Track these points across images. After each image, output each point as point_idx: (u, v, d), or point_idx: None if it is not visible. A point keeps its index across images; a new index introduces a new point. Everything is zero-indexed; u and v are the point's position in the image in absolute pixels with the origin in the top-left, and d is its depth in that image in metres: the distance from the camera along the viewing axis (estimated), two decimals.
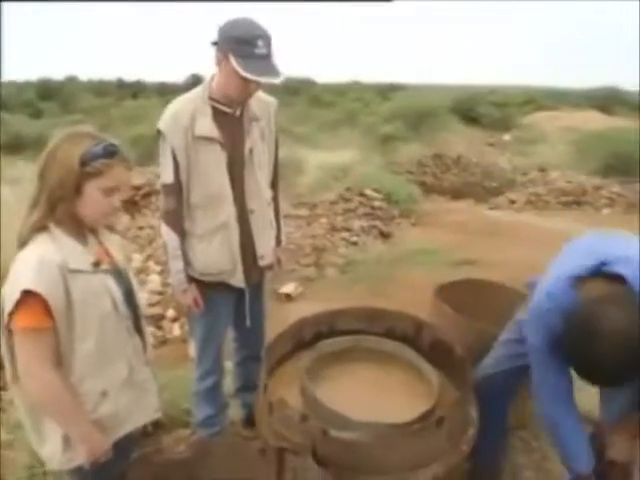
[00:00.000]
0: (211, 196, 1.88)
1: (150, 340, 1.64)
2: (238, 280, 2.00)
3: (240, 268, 1.99)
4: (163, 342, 3.89)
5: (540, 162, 10.38)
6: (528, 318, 1.58)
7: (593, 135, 10.78)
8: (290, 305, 4.34)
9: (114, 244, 1.50)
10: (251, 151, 1.93)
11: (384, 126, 11.82)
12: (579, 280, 1.45)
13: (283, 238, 2.22)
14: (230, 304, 2.10)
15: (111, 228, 1.51)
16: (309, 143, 10.33)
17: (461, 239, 5.59)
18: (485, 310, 2.42)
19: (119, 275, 1.46)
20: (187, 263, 1.96)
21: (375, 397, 1.74)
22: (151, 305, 4.34)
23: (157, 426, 2.47)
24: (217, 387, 2.22)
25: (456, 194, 8.44)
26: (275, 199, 2.16)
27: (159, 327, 4.05)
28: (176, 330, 3.95)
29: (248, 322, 2.13)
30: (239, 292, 2.07)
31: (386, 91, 24.43)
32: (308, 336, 2.04)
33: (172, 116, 1.83)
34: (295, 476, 1.43)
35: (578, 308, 1.37)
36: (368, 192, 6.59)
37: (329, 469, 1.47)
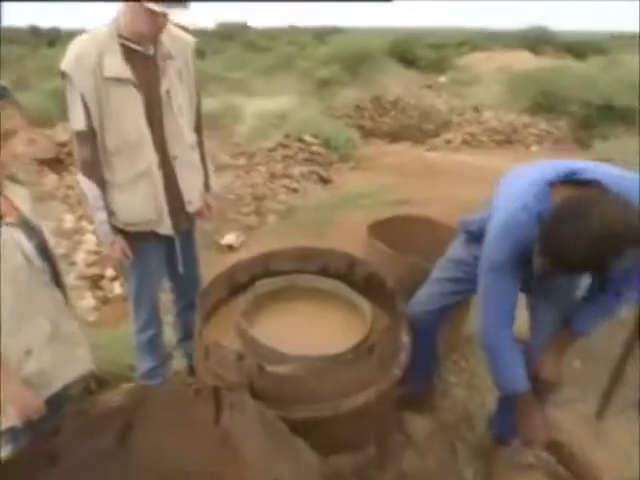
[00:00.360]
0: (128, 142, 1.77)
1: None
2: (166, 228, 1.94)
3: (167, 216, 1.92)
4: (105, 302, 3.79)
5: (475, 103, 10.54)
6: (493, 236, 1.54)
7: (523, 75, 11.01)
8: (233, 255, 4.29)
9: (19, 196, 1.40)
10: (168, 93, 1.83)
11: (321, 70, 11.55)
12: (553, 187, 1.43)
13: (212, 184, 2.16)
14: (161, 253, 2.04)
15: (13, 179, 1.41)
16: (245, 90, 9.97)
17: (399, 181, 5.66)
18: (417, 245, 2.49)
19: (29, 228, 1.38)
20: (111, 214, 1.87)
21: (311, 333, 1.77)
22: (88, 265, 4.18)
23: (101, 383, 2.44)
24: (157, 339, 2.19)
25: (394, 137, 8.49)
26: (200, 144, 2.07)
27: (99, 287, 3.93)
28: (117, 289, 3.84)
29: (181, 269, 2.09)
30: (169, 240, 2.01)
31: (322, 35, 23.71)
32: (243, 279, 2.03)
33: (77, 56, 1.68)
34: (233, 413, 1.45)
35: (562, 202, 1.33)
36: (307, 138, 6.50)
37: (266, 403, 1.50)
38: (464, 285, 1.86)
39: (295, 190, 5.46)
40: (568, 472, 1.93)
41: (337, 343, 1.65)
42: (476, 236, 1.76)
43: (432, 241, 2.42)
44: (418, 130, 9.07)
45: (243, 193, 5.16)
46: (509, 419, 1.82)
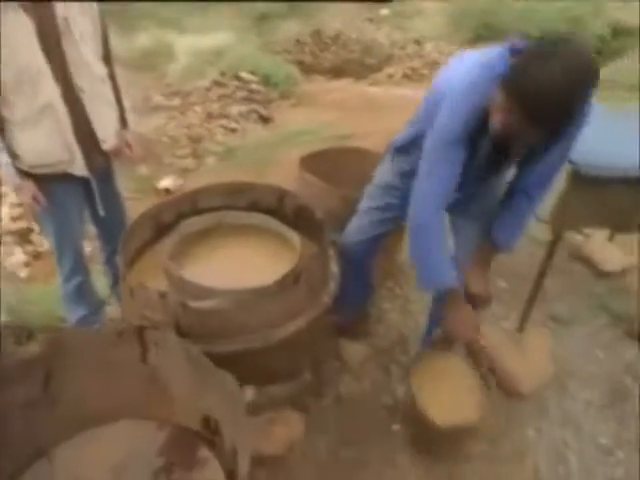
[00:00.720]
0: (22, 72, 1.60)
1: None
2: (79, 168, 1.81)
3: (79, 155, 1.78)
4: (36, 256, 3.58)
5: (417, 35, 10.33)
6: (449, 106, 1.45)
7: (465, 7, 10.85)
8: None
9: None
10: (66, 20, 1.65)
11: (259, 4, 10.91)
12: (511, 50, 1.36)
13: (129, 119, 2.02)
14: (78, 196, 1.91)
15: None
16: (177, 27, 9.32)
17: (340, 116, 5.55)
18: (351, 176, 2.45)
19: None
20: (14, 157, 1.72)
21: (239, 268, 1.74)
22: (14, 219, 3.93)
23: (30, 337, 2.35)
24: (85, 286, 2.10)
25: (336, 72, 8.24)
26: (111, 77, 1.91)
27: (29, 242, 3.71)
28: (47, 242, 3.64)
29: (101, 212, 1.97)
30: (86, 182, 1.88)
31: None
32: (169, 219, 1.94)
33: None
34: (158, 351, 1.43)
35: (534, 43, 1.28)
36: (244, 75, 6.20)
37: (194, 339, 1.48)
38: (393, 212, 1.86)
39: (234, 130, 5.26)
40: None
41: (266, 276, 1.62)
42: (403, 147, 1.74)
43: (367, 172, 2.39)
44: (360, 65, 8.83)
45: (178, 135, 4.93)
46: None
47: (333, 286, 1.73)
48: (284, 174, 3.59)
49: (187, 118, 5.27)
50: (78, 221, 1.98)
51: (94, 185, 1.90)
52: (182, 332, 1.49)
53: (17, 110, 1.66)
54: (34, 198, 1.77)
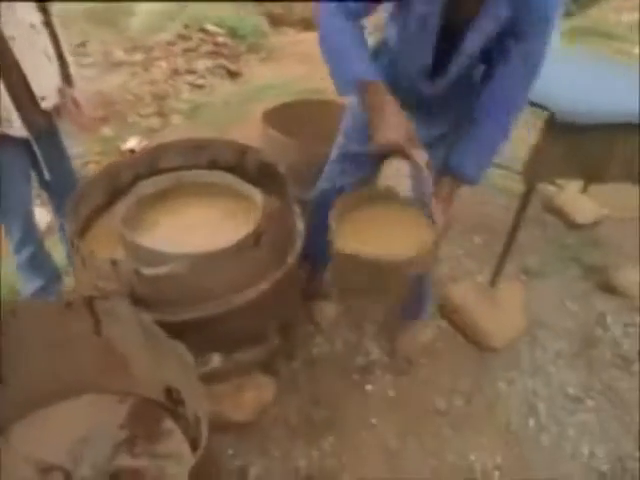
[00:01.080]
0: None
1: None
2: (17, 129, 1.63)
3: (14, 114, 1.61)
4: None
5: None
6: None
7: None
8: None
9: None
10: None
11: None
12: None
13: (73, 74, 1.83)
14: (21, 159, 1.74)
15: None
16: None
17: (310, 70, 5.32)
18: (317, 129, 2.32)
19: None
20: None
21: (198, 231, 1.62)
22: None
23: None
24: (38, 257, 1.95)
25: (306, 24, 7.88)
26: (49, 25, 1.71)
27: None
28: None
29: (47, 176, 1.81)
30: (28, 144, 1.71)
31: None
32: (126, 180, 1.80)
33: None
34: (111, 322, 1.33)
35: None
36: (209, 27, 5.86)
37: (150, 308, 1.38)
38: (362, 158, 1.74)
39: (200, 86, 5.00)
40: (463, 336, 2.03)
41: (226, 237, 1.52)
42: None
43: (335, 125, 2.26)
44: None
45: (142, 92, 4.66)
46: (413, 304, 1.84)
47: (299, 245, 1.64)
48: (252, 130, 3.43)
49: (151, 74, 4.97)
50: (24, 187, 1.81)
51: (35, 148, 1.73)
52: (138, 301, 1.38)
53: None
54: None
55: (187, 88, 4.90)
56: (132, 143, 4.12)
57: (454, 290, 2.10)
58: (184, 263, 1.34)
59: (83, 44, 5.49)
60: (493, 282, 2.08)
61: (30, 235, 1.90)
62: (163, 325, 1.34)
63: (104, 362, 1.40)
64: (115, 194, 1.77)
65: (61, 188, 1.91)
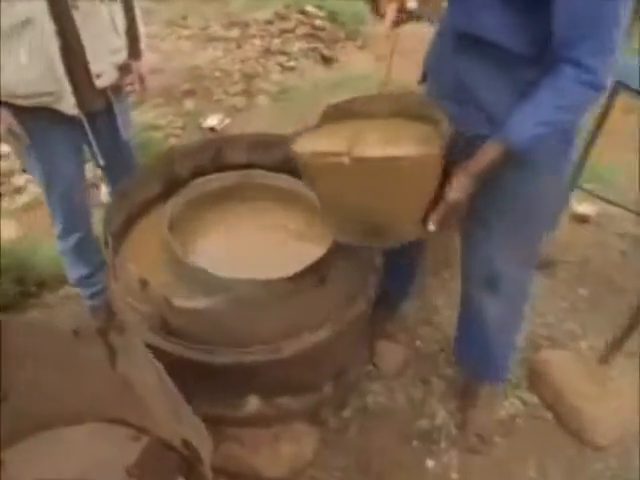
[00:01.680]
0: None
1: None
2: (68, 105, 1.39)
3: (68, 88, 1.36)
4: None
5: None
6: None
7: None
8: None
9: None
10: None
11: None
12: None
13: (143, 48, 1.57)
14: (72, 138, 1.50)
15: None
16: None
17: (409, 64, 4.87)
18: None
19: None
20: None
21: (256, 249, 1.32)
22: None
23: (41, 285, 2.06)
24: (85, 244, 1.70)
25: (411, 15, 7.36)
26: None
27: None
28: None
29: (100, 162, 1.57)
30: (81, 123, 1.46)
31: None
32: (183, 172, 1.54)
33: None
34: (127, 357, 1.05)
35: None
36: (309, 9, 5.54)
37: (180, 338, 1.10)
38: None
39: (292, 69, 4.71)
40: (556, 418, 1.60)
41: (290, 262, 1.21)
42: None
43: None
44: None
45: (231, 70, 4.45)
46: (473, 346, 1.46)
47: (373, 285, 1.30)
48: None
49: (243, 52, 4.75)
50: (71, 169, 1.56)
51: (87, 128, 1.48)
52: (170, 330, 1.11)
53: None
54: (8, 128, 1.38)
55: (277, 69, 4.64)
56: (214, 121, 3.92)
57: (550, 357, 1.67)
58: (226, 297, 1.04)
59: (184, 17, 5.37)
60: (606, 357, 1.62)
61: (76, 221, 1.65)
62: (197, 363, 1.06)
63: (119, 395, 1.14)
64: (170, 187, 1.51)
65: (116, 172, 1.68)
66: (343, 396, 1.57)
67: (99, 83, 1.44)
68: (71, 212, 1.61)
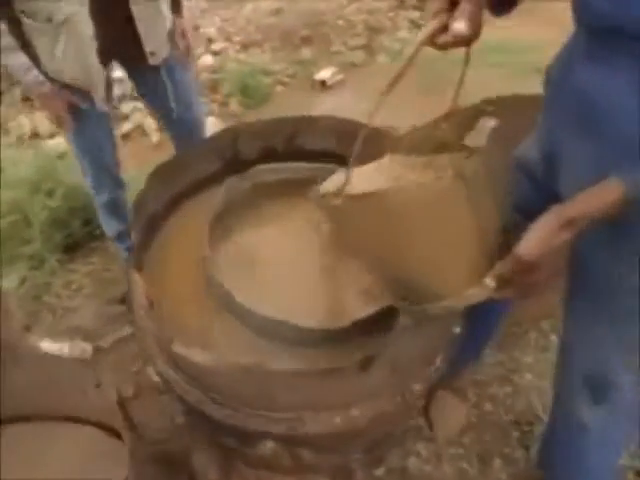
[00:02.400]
0: None
1: None
2: (98, 101, 1.33)
3: (101, 88, 1.31)
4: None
5: None
6: None
7: None
8: (324, 95, 3.44)
9: None
10: None
11: None
12: None
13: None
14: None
15: None
16: None
17: (557, 36, 4.06)
18: None
19: None
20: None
21: (297, 268, 1.02)
22: None
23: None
24: (117, 202, 1.62)
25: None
26: None
27: None
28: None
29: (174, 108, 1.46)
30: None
31: None
32: (248, 153, 1.26)
33: None
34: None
35: None
36: None
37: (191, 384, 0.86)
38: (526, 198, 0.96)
39: (422, 27, 4.13)
40: None
41: (337, 309, 0.92)
42: None
43: None
44: None
45: (356, 21, 4.00)
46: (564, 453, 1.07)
47: (443, 360, 0.95)
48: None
49: (372, 2, 4.24)
50: (105, 144, 1.51)
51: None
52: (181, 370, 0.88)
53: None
54: (68, 107, 1.31)
55: (407, 26, 4.09)
56: (327, 74, 3.56)
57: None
58: (232, 364, 0.76)
59: None
60: None
61: (106, 183, 1.56)
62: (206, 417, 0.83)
63: None
64: (229, 167, 1.24)
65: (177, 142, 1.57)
66: (381, 454, 1.28)
67: (152, 61, 1.36)
68: (98, 172, 1.53)
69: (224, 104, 3.26)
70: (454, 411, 1.37)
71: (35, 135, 2.81)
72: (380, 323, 0.87)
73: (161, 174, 1.10)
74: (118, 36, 1.27)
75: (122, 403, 0.89)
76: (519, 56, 3.72)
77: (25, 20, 1.18)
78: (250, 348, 0.90)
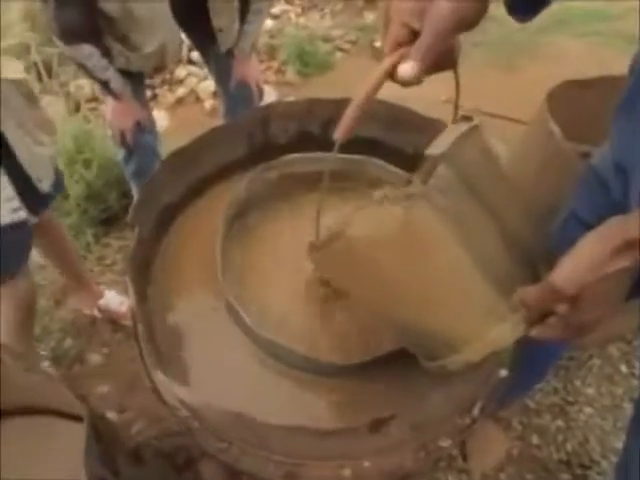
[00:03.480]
0: None
1: None
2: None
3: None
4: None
5: None
6: None
7: None
8: None
9: None
10: None
11: None
12: None
13: None
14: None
15: None
16: None
17: None
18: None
19: None
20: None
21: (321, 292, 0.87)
22: None
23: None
24: (145, 173, 1.56)
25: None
26: None
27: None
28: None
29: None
30: None
31: None
32: (280, 137, 1.10)
33: None
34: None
35: None
36: None
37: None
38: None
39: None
40: None
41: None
42: None
43: None
44: None
45: None
46: None
47: (479, 408, 0.78)
48: (540, 76, 2.21)
49: None
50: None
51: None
52: None
53: None
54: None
55: None
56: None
57: None
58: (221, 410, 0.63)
59: None
60: None
61: (134, 152, 1.50)
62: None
63: None
64: (258, 152, 1.09)
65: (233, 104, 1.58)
66: None
67: (223, 49, 1.38)
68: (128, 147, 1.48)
69: (280, 71, 3.10)
70: (493, 441, 1.20)
71: (94, 99, 2.79)
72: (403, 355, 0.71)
73: (177, 160, 0.97)
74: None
75: None
76: (607, 24, 3.25)
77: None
78: (255, 364, 0.77)
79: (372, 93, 0.57)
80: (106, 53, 1.25)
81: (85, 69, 1.24)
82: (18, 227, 1.07)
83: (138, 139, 1.40)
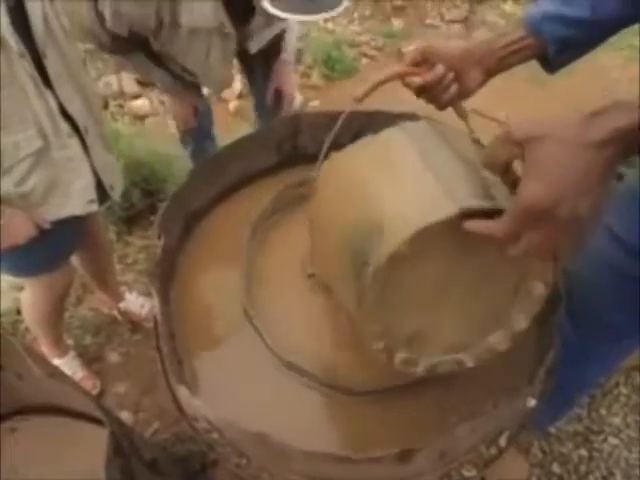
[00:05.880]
0: None
1: None
2: None
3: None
4: None
5: None
6: None
7: None
8: None
9: None
10: None
11: None
12: None
13: None
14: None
15: None
16: None
17: None
18: None
19: None
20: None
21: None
22: None
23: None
24: (200, 154, 1.67)
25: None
26: None
27: None
28: None
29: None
30: None
31: None
32: (309, 146, 1.08)
33: None
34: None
35: None
36: None
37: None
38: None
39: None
40: None
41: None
42: None
43: None
44: None
45: None
46: None
47: (513, 435, 0.75)
48: (571, 88, 2.14)
49: None
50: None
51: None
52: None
53: None
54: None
55: None
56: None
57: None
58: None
59: None
60: None
61: (189, 136, 1.63)
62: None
63: None
64: (286, 161, 1.08)
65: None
66: None
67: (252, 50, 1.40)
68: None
69: (306, 75, 3.08)
70: (512, 467, 1.16)
71: (121, 94, 2.81)
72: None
73: (206, 168, 0.96)
74: None
75: None
76: None
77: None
78: (279, 377, 0.76)
79: (390, 78, 0.74)
80: (152, 57, 1.28)
81: (132, 71, 1.30)
82: (77, 221, 1.08)
83: (194, 123, 1.50)
